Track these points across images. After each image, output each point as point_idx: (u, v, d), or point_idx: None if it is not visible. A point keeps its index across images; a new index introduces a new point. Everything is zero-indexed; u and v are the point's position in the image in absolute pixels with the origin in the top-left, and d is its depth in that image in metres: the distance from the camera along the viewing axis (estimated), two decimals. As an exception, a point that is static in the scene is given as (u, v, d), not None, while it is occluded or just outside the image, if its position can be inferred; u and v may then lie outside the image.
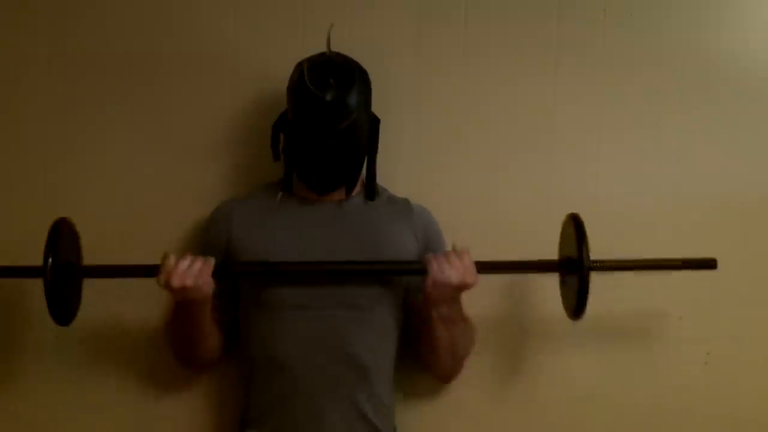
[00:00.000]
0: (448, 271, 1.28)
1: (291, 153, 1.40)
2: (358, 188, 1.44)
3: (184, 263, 1.26)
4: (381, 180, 1.46)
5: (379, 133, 1.42)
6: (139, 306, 1.54)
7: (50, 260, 1.24)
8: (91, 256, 1.38)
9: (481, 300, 1.46)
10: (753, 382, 1.59)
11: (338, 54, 1.39)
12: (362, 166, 1.42)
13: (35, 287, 1.27)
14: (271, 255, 1.37)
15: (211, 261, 1.29)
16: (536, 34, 1.60)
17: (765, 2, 1.61)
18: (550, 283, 1.42)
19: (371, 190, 1.43)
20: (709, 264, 1.37)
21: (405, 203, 1.48)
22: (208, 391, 1.57)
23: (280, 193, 1.43)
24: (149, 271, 1.29)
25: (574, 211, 1.37)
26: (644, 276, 1.46)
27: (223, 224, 1.43)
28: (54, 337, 1.52)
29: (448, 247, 1.45)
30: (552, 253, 1.40)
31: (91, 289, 1.39)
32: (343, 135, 1.34)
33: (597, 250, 1.42)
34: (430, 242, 1.45)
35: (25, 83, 1.59)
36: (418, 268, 1.32)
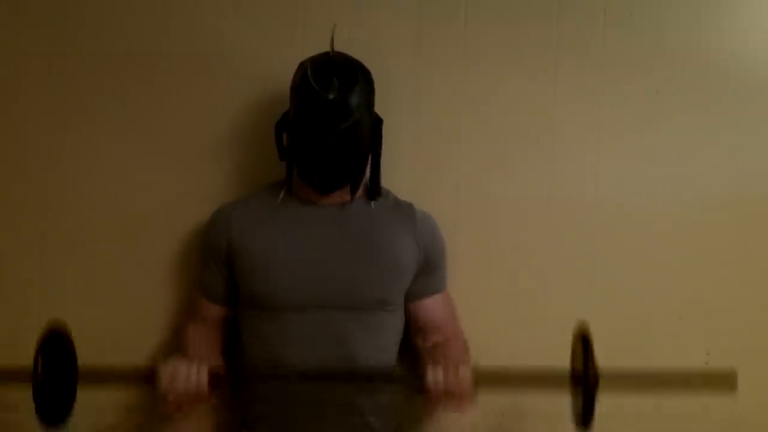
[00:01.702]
0: (443, 386, 1.23)
1: (293, 153, 1.40)
2: (361, 190, 1.44)
3: (180, 383, 1.21)
4: (381, 180, 1.46)
5: (382, 134, 1.42)
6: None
7: (39, 367, 1.17)
8: (91, 258, 1.38)
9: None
10: (753, 382, 1.59)
11: (341, 54, 1.39)
12: (365, 167, 1.42)
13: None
14: (271, 256, 1.37)
15: (205, 373, 1.23)
16: (536, 34, 1.60)
17: (765, 2, 1.61)
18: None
19: (373, 191, 1.43)
20: (728, 380, 1.23)
21: (409, 208, 1.47)
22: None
23: (282, 194, 1.43)
24: (144, 377, 1.24)
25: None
26: (644, 280, 1.45)
27: (223, 226, 1.43)
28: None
29: (449, 257, 1.46)
30: (552, 252, 1.40)
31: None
32: (345, 135, 1.34)
33: (597, 252, 1.44)
34: (431, 251, 1.45)
35: (25, 83, 1.59)
36: (416, 385, 1.26)
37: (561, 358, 1.60)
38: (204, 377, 1.22)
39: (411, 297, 1.44)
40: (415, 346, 1.47)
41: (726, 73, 1.61)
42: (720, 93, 1.60)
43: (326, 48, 1.39)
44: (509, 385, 1.25)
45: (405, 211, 1.46)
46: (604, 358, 1.59)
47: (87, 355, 1.33)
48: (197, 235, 1.53)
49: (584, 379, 1.17)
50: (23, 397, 1.17)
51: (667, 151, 1.60)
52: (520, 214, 1.59)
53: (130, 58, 1.58)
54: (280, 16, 1.58)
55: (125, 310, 1.57)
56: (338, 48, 1.39)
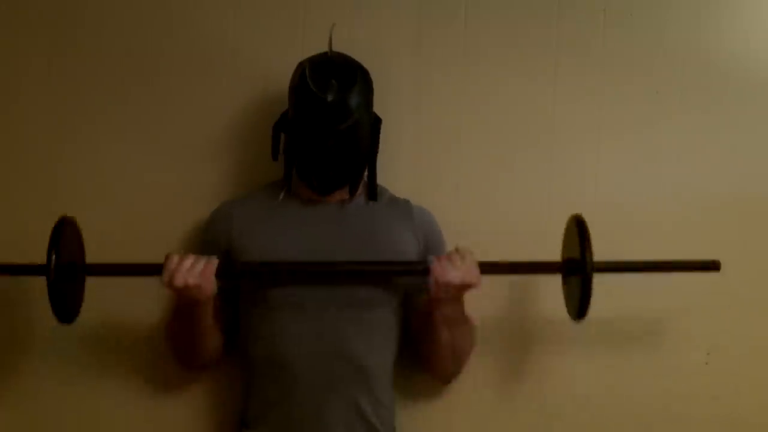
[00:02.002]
0: (451, 271, 1.28)
1: (292, 153, 1.40)
2: (360, 189, 1.44)
3: (187, 262, 1.26)
4: (381, 180, 1.46)
5: (380, 134, 1.42)
6: (141, 306, 1.55)
7: (53, 258, 1.24)
8: (92, 257, 1.38)
9: (483, 302, 1.45)
10: (753, 382, 1.59)
11: (340, 54, 1.39)
12: (364, 167, 1.42)
13: (37, 286, 1.27)
14: (271, 256, 1.37)
15: (214, 260, 1.28)
16: (536, 34, 1.60)
17: (765, 2, 1.61)
18: (552, 284, 1.42)
19: (373, 191, 1.43)
20: (712, 266, 1.37)
21: (406, 204, 1.47)
22: (208, 390, 1.57)
23: (282, 194, 1.43)
24: (152, 269, 1.29)
25: (575, 212, 1.37)
26: (645, 277, 1.46)
27: (223, 225, 1.43)
28: (55, 335, 1.52)
29: (449, 248, 1.45)
30: (553, 253, 1.40)
31: (94, 288, 1.38)
32: (344, 136, 1.33)
33: (597, 250, 1.41)
34: (431, 243, 1.45)
35: (25, 83, 1.59)
36: (420, 269, 1.32)
37: (559, 358, 1.61)
38: (213, 261, 1.27)
39: (413, 292, 1.43)
40: (416, 341, 1.46)
41: (726, 73, 1.61)
42: (720, 93, 1.60)
43: (326, 48, 1.39)
44: (510, 271, 1.38)
45: (402, 207, 1.46)
46: (603, 357, 1.60)
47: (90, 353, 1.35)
48: (197, 235, 1.53)
49: (582, 263, 1.27)
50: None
51: (667, 151, 1.60)
52: (520, 214, 1.59)
53: (130, 58, 1.59)
54: (280, 16, 1.59)
55: (125, 310, 1.57)
56: (338, 48, 1.39)
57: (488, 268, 1.33)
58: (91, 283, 1.37)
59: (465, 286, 1.30)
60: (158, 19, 1.59)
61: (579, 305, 1.30)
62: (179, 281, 1.25)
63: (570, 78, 1.60)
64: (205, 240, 1.46)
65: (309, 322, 1.36)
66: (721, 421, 1.58)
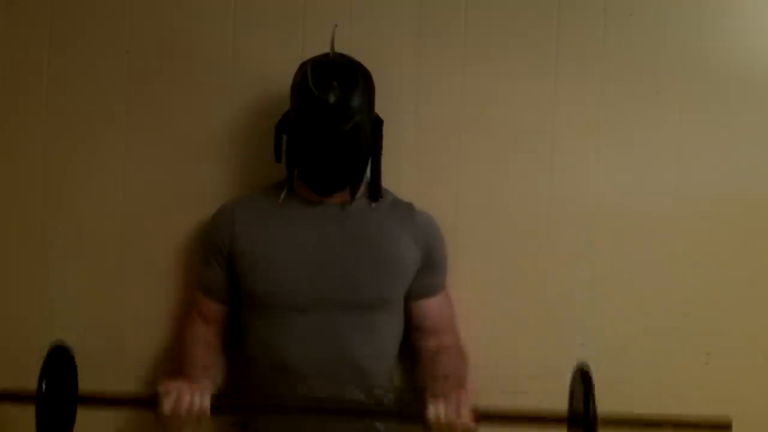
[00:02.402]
0: (443, 421, 1.23)
1: (294, 154, 1.40)
2: (362, 190, 1.44)
3: (184, 404, 1.22)
4: (382, 179, 1.46)
5: (382, 135, 1.42)
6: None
7: (44, 387, 1.17)
8: (90, 259, 1.38)
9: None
10: (753, 382, 1.59)
11: (341, 55, 1.38)
12: (366, 168, 1.42)
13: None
14: (272, 257, 1.38)
15: (207, 396, 1.25)
16: (536, 34, 1.60)
17: (765, 2, 1.61)
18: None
19: (375, 192, 1.43)
20: (723, 426, 1.25)
21: (408, 207, 1.47)
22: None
23: (283, 195, 1.43)
24: (146, 402, 1.26)
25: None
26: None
27: (226, 225, 1.43)
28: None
29: (450, 256, 1.46)
30: (552, 252, 1.40)
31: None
32: (346, 137, 1.33)
33: (597, 252, 1.44)
34: (431, 250, 1.45)
35: (24, 84, 1.59)
36: (415, 415, 1.26)
37: (560, 357, 1.60)
38: (206, 401, 1.24)
39: (411, 296, 1.44)
40: (413, 346, 1.47)
41: (726, 73, 1.60)
42: (720, 93, 1.60)
43: (326, 48, 1.39)
44: (509, 422, 1.26)
45: (404, 210, 1.46)
46: (604, 357, 1.60)
47: (88, 355, 1.34)
48: (197, 235, 1.53)
49: (585, 418, 1.18)
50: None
51: (667, 151, 1.60)
52: (520, 214, 1.59)
53: (131, 58, 1.59)
54: (281, 17, 1.58)
55: (125, 310, 1.57)
56: (338, 48, 1.39)
57: (487, 417, 1.25)
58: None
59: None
60: (159, 20, 1.59)
61: None
62: (176, 425, 1.24)
63: (570, 78, 1.59)
64: (208, 241, 1.46)
65: (310, 324, 1.36)
66: (720, 421, 1.58)
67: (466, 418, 1.22)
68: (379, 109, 1.42)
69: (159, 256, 1.58)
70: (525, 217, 1.59)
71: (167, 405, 1.22)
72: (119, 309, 1.57)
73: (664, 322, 1.59)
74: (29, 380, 1.17)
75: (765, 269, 1.61)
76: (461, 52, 1.59)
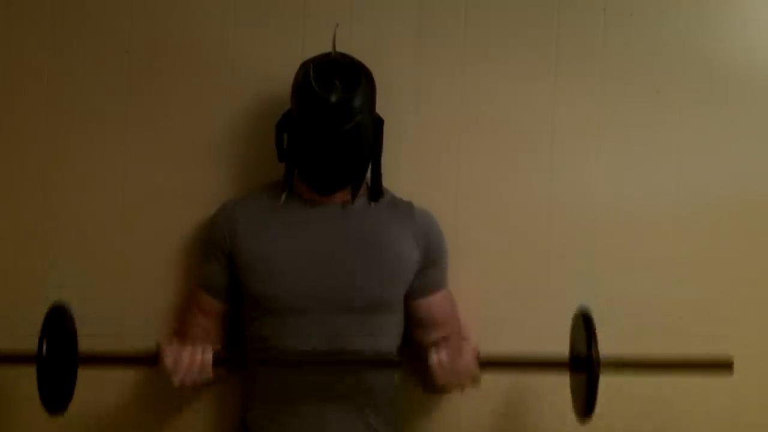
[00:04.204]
0: (449, 373, 1.26)
1: (294, 153, 1.40)
2: (362, 190, 1.44)
3: (184, 363, 1.24)
4: (383, 179, 1.46)
5: (383, 134, 1.42)
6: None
7: (44, 348, 1.18)
8: (90, 259, 1.37)
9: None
10: (753, 382, 1.59)
11: (343, 55, 1.38)
12: (367, 168, 1.42)
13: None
14: (272, 257, 1.37)
15: (209, 353, 1.26)
16: (536, 34, 1.60)
17: (765, 2, 1.61)
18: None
19: (375, 192, 1.43)
20: (723, 364, 1.28)
21: (408, 206, 1.47)
22: (209, 393, 1.57)
23: (284, 194, 1.43)
24: (147, 360, 1.27)
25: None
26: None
27: (226, 225, 1.42)
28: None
29: (449, 254, 1.46)
30: (551, 252, 1.40)
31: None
32: (347, 137, 1.33)
33: (597, 252, 1.43)
34: (431, 248, 1.45)
35: (25, 85, 1.59)
36: (419, 363, 1.29)
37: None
38: (208, 356, 1.25)
39: (412, 295, 1.44)
40: (416, 344, 1.47)
41: (726, 73, 1.61)
42: (720, 93, 1.60)
43: (326, 48, 1.39)
44: (511, 367, 1.31)
45: (404, 209, 1.46)
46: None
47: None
48: (197, 235, 1.53)
49: (588, 361, 1.20)
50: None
51: (667, 151, 1.60)
52: (520, 214, 1.59)
53: (131, 58, 1.58)
54: (281, 17, 1.58)
55: (126, 310, 1.57)
56: (338, 48, 1.39)
57: (490, 364, 1.28)
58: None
59: (462, 381, 1.28)
60: (159, 20, 1.59)
61: (585, 403, 1.23)
62: (177, 382, 1.25)
63: (570, 78, 1.60)
64: (209, 240, 1.46)
65: (311, 325, 1.36)
66: (720, 421, 1.58)
67: (469, 361, 1.24)
68: (379, 108, 1.43)
69: (159, 256, 1.57)
70: (525, 217, 1.59)
71: (169, 359, 1.24)
72: (119, 309, 1.56)
73: (665, 322, 1.59)
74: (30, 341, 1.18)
75: (765, 269, 1.61)
76: (461, 52, 1.59)
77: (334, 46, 1.39)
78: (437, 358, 1.26)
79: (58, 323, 1.23)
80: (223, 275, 1.43)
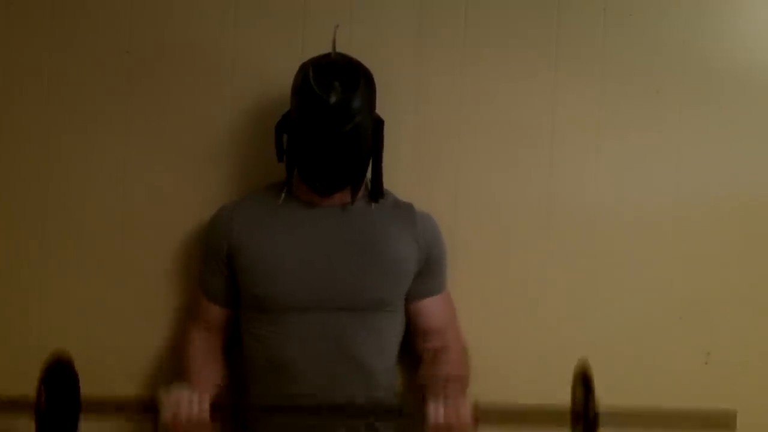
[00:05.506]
0: (443, 422, 1.23)
1: (294, 154, 1.40)
2: (362, 191, 1.44)
3: (182, 415, 1.22)
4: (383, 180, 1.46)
5: (383, 135, 1.42)
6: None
7: (43, 400, 1.17)
8: (90, 260, 1.37)
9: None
10: (753, 382, 1.59)
11: (343, 56, 1.38)
12: (366, 169, 1.42)
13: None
14: (272, 258, 1.37)
15: (206, 403, 1.25)
16: (536, 34, 1.60)
17: (765, 2, 1.61)
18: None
19: (376, 192, 1.43)
20: (727, 421, 1.25)
21: (409, 208, 1.47)
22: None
23: (283, 195, 1.42)
24: (146, 408, 1.26)
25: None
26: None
27: (224, 227, 1.42)
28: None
29: (449, 257, 1.46)
30: (551, 252, 1.40)
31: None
32: (347, 138, 1.33)
33: (597, 252, 1.43)
34: (432, 251, 1.45)
35: (25, 84, 1.59)
36: (415, 413, 1.27)
37: (560, 359, 1.60)
38: (206, 407, 1.23)
39: (411, 298, 1.44)
40: (414, 348, 1.47)
41: (726, 73, 1.60)
42: (720, 93, 1.60)
43: (326, 48, 1.39)
44: (510, 421, 1.26)
45: (405, 211, 1.46)
46: (604, 357, 1.59)
47: (86, 358, 1.33)
48: (197, 237, 1.53)
49: (584, 417, 1.18)
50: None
51: (667, 151, 1.60)
52: (520, 214, 1.59)
53: (131, 58, 1.58)
54: (281, 17, 1.58)
55: (126, 311, 1.57)
56: (338, 48, 1.39)
57: (487, 417, 1.25)
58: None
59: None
60: (159, 20, 1.59)
61: None
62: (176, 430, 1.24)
63: (570, 78, 1.59)
64: (207, 244, 1.46)
65: (311, 325, 1.36)
66: (720, 421, 1.58)
67: (465, 418, 1.22)
68: (379, 109, 1.42)
69: (158, 258, 1.57)
70: (524, 217, 1.59)
71: (167, 411, 1.23)
72: (119, 312, 1.56)
73: (664, 322, 1.59)
74: (30, 385, 1.17)
75: (765, 269, 1.61)
76: (461, 52, 1.59)
77: (334, 47, 1.38)
78: (435, 412, 1.22)
79: (59, 374, 1.21)
80: (222, 279, 1.43)
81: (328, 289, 1.36)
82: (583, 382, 1.21)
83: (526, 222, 1.58)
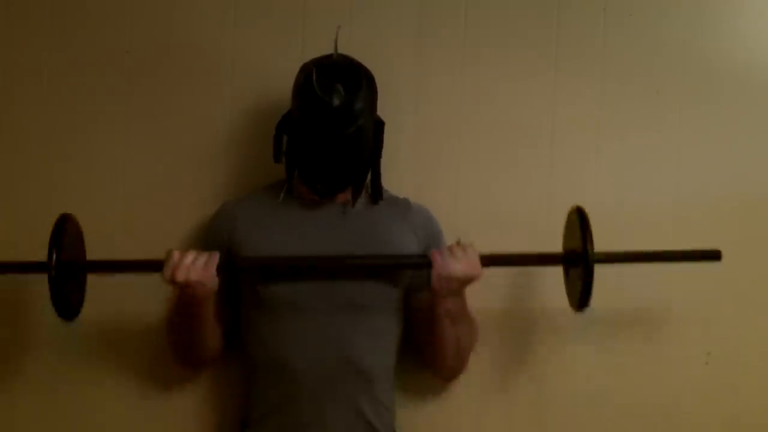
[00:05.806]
0: (452, 264, 1.29)
1: (294, 155, 1.40)
2: (362, 191, 1.43)
3: (189, 258, 1.27)
4: (382, 180, 1.46)
5: (384, 136, 1.42)
6: (143, 304, 1.54)
7: (54, 255, 1.25)
8: (93, 257, 1.38)
9: (485, 294, 1.45)
10: (753, 382, 1.59)
11: (345, 57, 1.38)
12: (368, 170, 1.42)
13: (38, 284, 1.27)
14: (272, 255, 1.37)
15: (215, 256, 1.29)
16: (536, 34, 1.60)
17: (765, 3, 1.61)
18: (554, 277, 1.43)
19: (376, 193, 1.43)
20: (712, 255, 1.38)
21: (404, 203, 1.48)
22: (209, 391, 1.57)
23: (282, 195, 1.42)
24: (153, 266, 1.29)
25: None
26: (646, 273, 1.46)
27: (225, 225, 1.43)
28: (56, 333, 1.52)
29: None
30: (554, 249, 1.41)
31: (95, 285, 1.39)
32: (348, 140, 1.33)
33: (599, 248, 1.40)
34: (431, 240, 1.45)
35: (27, 85, 1.59)
36: (422, 262, 1.33)
37: (561, 356, 1.61)
38: (214, 259, 1.28)
39: (416, 290, 1.43)
40: (429, 317, 1.44)
41: (726, 73, 1.61)
42: (720, 93, 1.60)
43: (327, 49, 1.39)
44: (511, 263, 1.41)
45: (401, 206, 1.47)
46: (603, 357, 1.60)
47: (89, 356, 1.35)
48: (198, 235, 1.53)
49: (583, 254, 1.28)
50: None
51: (667, 151, 1.60)
52: (520, 214, 1.59)
53: (131, 59, 1.58)
54: (281, 17, 1.58)
55: (126, 308, 1.57)
56: (338, 48, 1.39)
57: (490, 260, 1.34)
58: (93, 280, 1.38)
59: (467, 279, 1.31)
60: (159, 20, 1.59)
61: (580, 296, 1.31)
62: (181, 277, 1.25)
63: (570, 78, 1.60)
64: (208, 239, 1.45)
65: (311, 324, 1.36)
66: (720, 421, 1.58)
67: (471, 253, 1.30)
68: (379, 109, 1.42)
69: (158, 255, 1.57)
70: (524, 217, 1.59)
71: (173, 259, 1.26)
72: (119, 309, 1.56)
73: (665, 323, 1.59)
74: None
75: (765, 268, 1.61)
76: (461, 52, 1.59)
77: (336, 48, 1.38)
78: (440, 256, 1.30)
79: (67, 233, 1.29)
80: (223, 278, 1.43)
81: (327, 288, 1.36)
82: (580, 221, 1.31)
83: (526, 222, 1.58)
